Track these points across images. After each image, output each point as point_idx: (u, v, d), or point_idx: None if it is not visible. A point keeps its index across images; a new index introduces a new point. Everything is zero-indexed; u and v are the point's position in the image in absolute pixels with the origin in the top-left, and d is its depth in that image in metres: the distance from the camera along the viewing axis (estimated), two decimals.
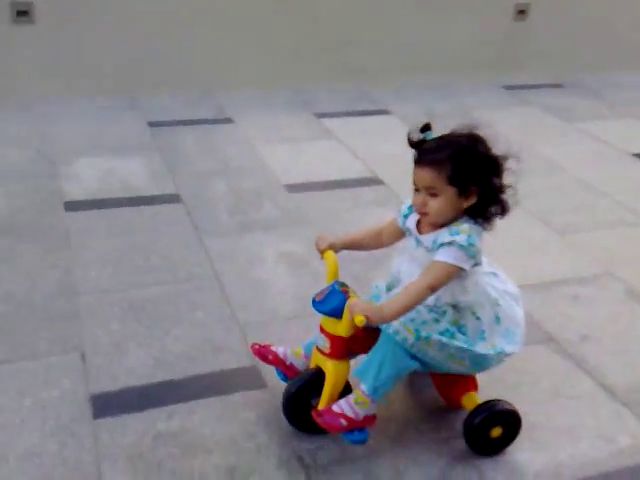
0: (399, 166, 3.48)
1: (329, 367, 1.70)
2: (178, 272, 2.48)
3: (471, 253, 1.58)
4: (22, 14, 3.98)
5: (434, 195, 1.60)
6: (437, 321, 1.62)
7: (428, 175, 1.58)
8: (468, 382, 1.81)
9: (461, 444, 1.75)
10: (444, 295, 1.63)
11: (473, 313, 1.65)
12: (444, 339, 1.61)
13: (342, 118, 3.99)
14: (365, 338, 1.72)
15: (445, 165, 1.57)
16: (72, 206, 2.88)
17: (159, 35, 4.16)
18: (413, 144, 1.64)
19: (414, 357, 1.64)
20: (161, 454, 1.68)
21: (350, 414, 1.64)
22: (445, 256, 1.57)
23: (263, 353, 1.85)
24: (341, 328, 1.66)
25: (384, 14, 4.48)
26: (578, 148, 3.84)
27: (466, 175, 1.59)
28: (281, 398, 1.76)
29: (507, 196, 1.65)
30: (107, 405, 1.82)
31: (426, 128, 1.63)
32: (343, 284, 1.71)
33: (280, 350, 1.85)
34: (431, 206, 1.60)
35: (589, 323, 2.29)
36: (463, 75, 4.66)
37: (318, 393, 1.70)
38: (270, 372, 1.96)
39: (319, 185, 3.20)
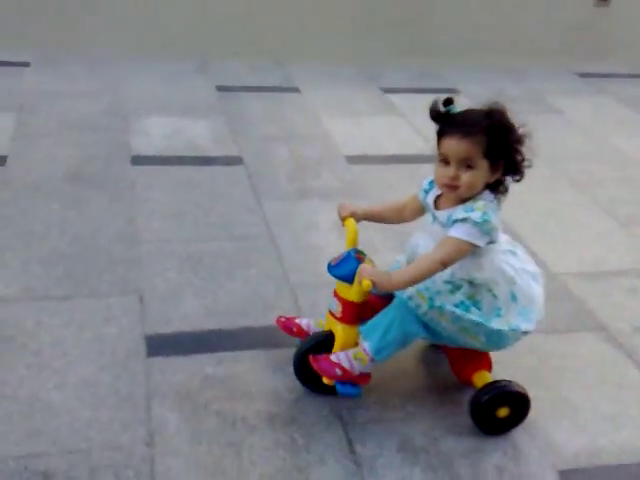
0: None
1: (339, 330, 1.73)
2: (235, 230, 2.55)
3: (485, 230, 1.56)
4: None
5: (469, 167, 1.57)
6: (452, 292, 1.62)
7: (465, 147, 1.56)
8: (482, 360, 1.79)
9: None
10: (459, 271, 1.62)
11: (489, 290, 1.64)
12: (458, 311, 1.60)
13: (407, 94, 3.97)
14: (377, 306, 1.74)
15: (481, 137, 1.56)
16: (138, 160, 2.99)
17: (232, 2, 4.22)
18: (438, 116, 1.62)
19: (426, 326, 1.65)
20: (208, 395, 1.76)
21: (346, 366, 1.67)
22: (458, 232, 1.56)
23: (288, 326, 1.89)
24: (353, 293, 1.69)
25: None
26: None
27: (499, 148, 1.58)
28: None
29: (524, 167, 1.64)
30: (160, 346, 1.91)
31: (449, 102, 1.62)
32: (360, 251, 1.74)
33: (304, 322, 1.89)
34: (464, 179, 1.57)
35: None
36: (536, 59, 4.55)
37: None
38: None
39: (379, 159, 3.21)
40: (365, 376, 1.71)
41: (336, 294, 1.74)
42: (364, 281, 1.56)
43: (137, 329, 1.96)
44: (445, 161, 1.59)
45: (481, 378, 1.75)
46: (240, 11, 4.24)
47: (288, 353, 1.93)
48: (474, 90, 4.10)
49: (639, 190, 3.14)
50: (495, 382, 1.72)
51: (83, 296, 2.08)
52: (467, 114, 1.60)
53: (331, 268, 1.73)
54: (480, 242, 1.57)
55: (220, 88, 3.88)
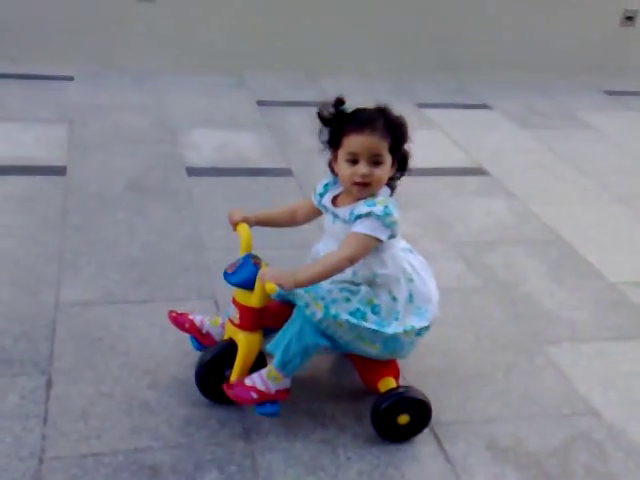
0: (504, 159, 3.63)
1: (240, 338, 1.69)
2: (294, 238, 2.59)
3: (388, 223, 1.57)
4: None
5: (378, 164, 1.58)
6: (348, 300, 1.61)
7: (376, 142, 1.57)
8: (387, 367, 1.76)
9: (585, 420, 1.82)
10: (362, 268, 1.62)
11: (390, 292, 1.64)
12: (353, 319, 1.59)
13: (443, 109, 4.07)
14: (278, 312, 1.70)
15: (386, 133, 1.58)
16: (193, 171, 3.06)
17: (268, 18, 4.32)
18: (331, 119, 1.62)
19: (325, 335, 1.63)
20: (294, 395, 1.78)
21: (261, 387, 1.64)
22: (362, 227, 1.56)
23: (180, 321, 1.83)
24: (254, 299, 1.65)
25: (487, 10, 4.53)
26: None
27: (399, 144, 1.62)
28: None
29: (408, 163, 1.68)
30: None
31: (341, 102, 1.62)
32: (255, 256, 1.70)
33: (197, 318, 1.84)
34: (377, 175, 1.58)
35: None
36: (562, 76, 4.66)
37: (231, 364, 1.69)
38: None
39: (422, 171, 3.24)
40: (282, 392, 1.67)
41: (234, 301, 1.69)
42: (268, 285, 1.53)
43: None
44: (352, 160, 1.59)
45: (385, 385, 1.72)
46: (275, 26, 4.35)
47: None
48: (505, 105, 4.22)
49: None
50: (395, 388, 1.70)
51: (162, 300, 2.14)
52: (363, 112, 1.62)
53: (228, 276, 1.67)
54: (383, 235, 1.57)
55: (260, 102, 3.97)
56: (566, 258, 2.64)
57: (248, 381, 1.65)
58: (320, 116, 1.64)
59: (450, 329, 2.16)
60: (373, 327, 1.60)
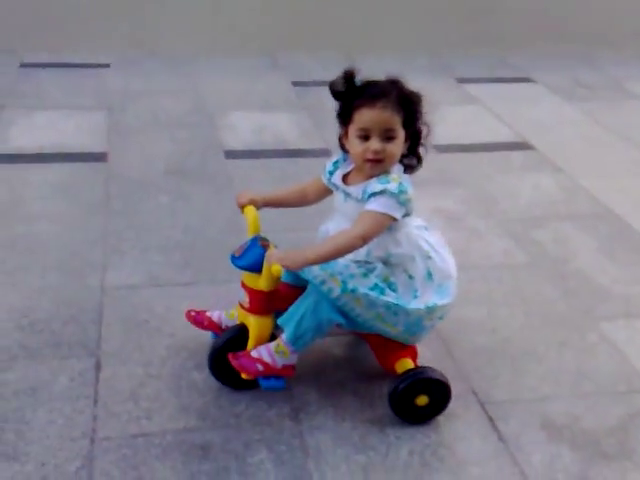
0: (550, 132, 3.53)
1: (252, 322, 1.65)
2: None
3: (402, 200, 1.50)
4: None
5: (390, 139, 1.51)
6: (366, 275, 1.55)
7: (389, 116, 1.50)
8: (404, 348, 1.70)
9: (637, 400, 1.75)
10: (376, 248, 1.56)
11: (405, 271, 1.58)
12: (372, 294, 1.54)
13: (484, 84, 3.97)
14: (289, 295, 1.66)
15: (398, 107, 1.51)
16: (231, 154, 3.05)
17: None
18: (342, 92, 1.54)
19: (342, 312, 1.58)
20: (340, 375, 1.80)
21: (268, 360, 1.60)
22: (376, 205, 1.50)
23: (199, 320, 1.80)
24: (262, 282, 1.60)
25: None
26: None
27: (413, 118, 1.54)
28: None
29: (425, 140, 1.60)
30: None
31: (350, 75, 1.54)
32: (263, 238, 1.64)
33: (215, 315, 1.81)
34: (389, 151, 1.51)
35: None
36: (608, 46, 4.49)
37: (244, 349, 1.66)
38: None
39: (467, 147, 3.22)
40: (288, 368, 1.63)
41: (243, 284, 1.65)
42: (274, 267, 1.49)
43: None
44: (364, 136, 1.52)
45: (402, 366, 1.67)
46: (308, 5, 4.29)
47: None
48: (549, 78, 4.09)
49: None
50: (413, 369, 1.65)
51: (205, 282, 2.14)
52: (374, 85, 1.54)
53: (235, 259, 1.62)
54: (397, 214, 1.51)
55: (296, 83, 3.93)
56: (618, 232, 2.54)
57: (255, 353, 1.62)
58: (331, 90, 1.56)
59: (499, 307, 2.10)
60: (393, 301, 1.55)
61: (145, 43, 4.20)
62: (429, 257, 1.60)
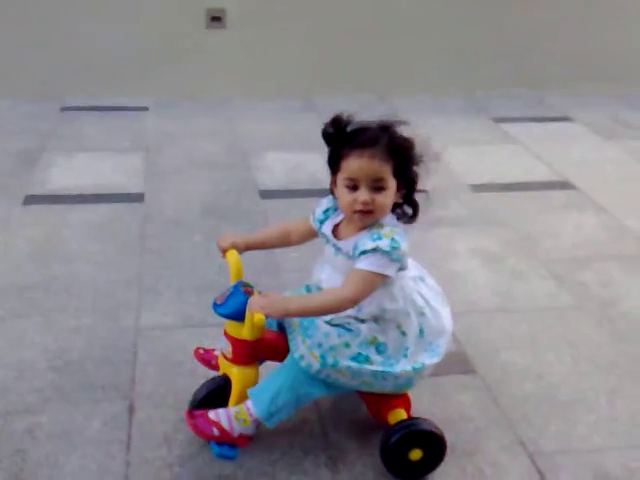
0: (591, 172, 3.46)
1: (234, 374, 1.56)
2: None
3: (396, 257, 1.42)
4: (216, 20, 4.31)
5: (380, 190, 1.43)
6: (347, 345, 1.47)
7: (377, 167, 1.42)
8: (397, 397, 1.62)
9: None
10: (369, 304, 1.47)
11: (398, 326, 1.50)
12: (355, 365, 1.46)
13: (522, 123, 3.93)
14: (275, 343, 1.58)
15: (388, 156, 1.43)
16: (267, 194, 3.05)
17: (335, 41, 4.32)
18: (331, 137, 1.48)
19: (325, 383, 1.50)
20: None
21: (225, 426, 1.51)
22: (367, 264, 1.41)
23: (206, 358, 1.73)
24: (245, 331, 1.50)
25: (563, 22, 4.38)
26: None
27: (405, 167, 1.46)
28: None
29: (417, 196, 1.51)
30: None
31: (339, 121, 1.48)
32: (246, 284, 1.56)
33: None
34: (379, 202, 1.43)
35: None
36: None
37: (226, 403, 1.57)
38: (479, 358, 1.98)
39: (505, 186, 3.16)
40: (244, 438, 1.53)
41: (226, 333, 1.56)
42: (256, 316, 1.40)
43: None
44: (352, 186, 1.44)
45: (395, 417, 1.58)
46: (343, 47, 4.33)
47: (452, 380, 1.90)
48: (588, 117, 4.04)
49: None
50: (406, 420, 1.56)
51: None
52: (364, 132, 1.46)
53: (217, 307, 1.53)
54: (391, 271, 1.43)
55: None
56: None
57: (213, 415, 1.52)
58: (322, 135, 1.50)
59: (545, 351, 2.02)
60: (379, 369, 1.48)
61: (182, 87, 4.28)
62: (422, 314, 1.52)
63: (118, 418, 1.70)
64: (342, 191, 1.46)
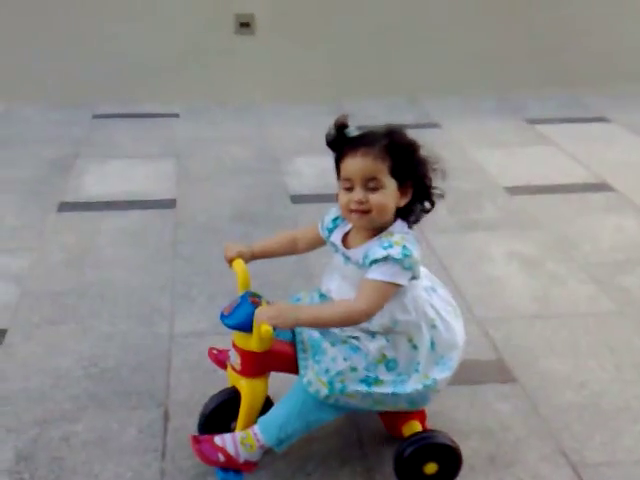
0: (630, 173, 3.37)
1: (243, 386, 1.51)
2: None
3: (407, 265, 1.38)
4: (244, 26, 4.32)
5: (375, 189, 1.40)
6: (354, 370, 1.43)
7: (370, 164, 1.40)
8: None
9: None
10: (380, 315, 1.42)
11: (410, 340, 1.45)
12: (363, 389, 1.42)
13: (556, 124, 3.85)
14: (285, 354, 1.53)
15: (384, 154, 1.40)
16: (297, 199, 3.03)
17: (364, 43, 4.29)
18: (334, 142, 1.47)
19: (336, 406, 1.46)
20: None
21: (231, 451, 1.46)
22: (379, 273, 1.37)
23: (220, 359, 1.69)
24: (253, 342, 1.46)
25: (598, 20, 4.28)
26: None
27: (405, 167, 1.42)
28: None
29: (435, 194, 1.48)
30: None
31: (342, 125, 1.46)
32: (254, 294, 1.53)
33: None
34: (375, 201, 1.39)
35: None
36: None
37: (236, 415, 1.53)
38: (518, 366, 1.93)
39: (542, 188, 3.09)
40: (250, 464, 1.49)
41: (234, 345, 1.52)
42: (263, 327, 1.37)
43: None
44: (349, 187, 1.43)
45: (410, 429, 1.54)
46: (372, 50, 4.30)
47: (491, 389, 1.85)
48: (625, 117, 3.94)
49: None
50: (421, 432, 1.51)
51: None
52: (366, 135, 1.45)
53: (224, 318, 1.50)
54: (404, 280, 1.39)
55: (360, 128, 3.89)
56: None
57: (218, 440, 1.49)
58: (327, 140, 1.50)
59: (587, 359, 1.96)
60: (388, 390, 1.44)
61: (212, 92, 4.30)
62: (434, 326, 1.48)
63: (153, 425, 1.70)
64: (340, 193, 1.46)
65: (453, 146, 3.61)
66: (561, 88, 4.30)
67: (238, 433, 1.49)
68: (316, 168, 3.36)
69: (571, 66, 4.32)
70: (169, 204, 2.96)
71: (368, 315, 1.39)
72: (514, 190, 3.06)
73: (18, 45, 4.11)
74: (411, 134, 1.49)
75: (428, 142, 1.43)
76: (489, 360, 1.97)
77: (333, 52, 4.31)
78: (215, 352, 1.74)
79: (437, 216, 2.78)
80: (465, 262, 2.50)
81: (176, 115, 4.11)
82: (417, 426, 1.55)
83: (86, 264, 2.47)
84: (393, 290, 1.39)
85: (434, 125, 3.93)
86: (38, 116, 4.01)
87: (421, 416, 1.59)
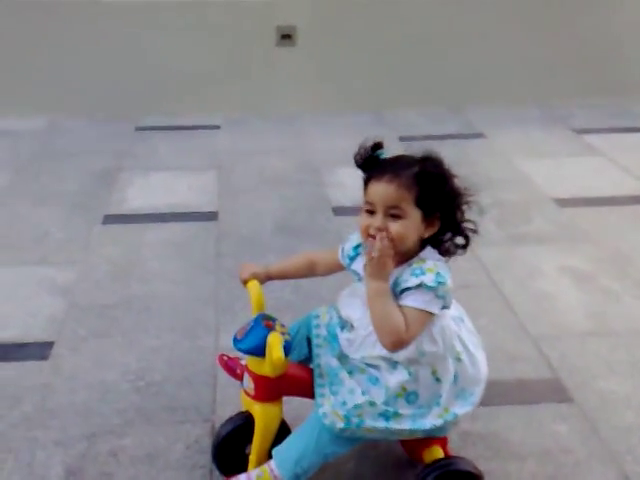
0: None
1: (257, 411, 1.47)
2: (455, 278, 2.43)
3: (441, 294, 1.33)
4: (286, 37, 4.32)
5: (396, 217, 1.35)
6: (372, 405, 1.37)
7: (393, 191, 1.34)
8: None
9: None
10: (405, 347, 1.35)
11: (434, 372, 1.40)
12: (381, 424, 1.37)
13: (605, 134, 3.75)
14: (300, 378, 1.48)
15: (411, 182, 1.35)
16: (340, 211, 2.99)
17: (406, 52, 4.25)
18: (365, 163, 1.43)
19: (350, 439, 1.41)
20: (472, 453, 1.62)
21: None
22: (412, 300, 1.32)
23: (231, 366, 1.62)
24: (266, 367, 1.42)
25: None
26: None
27: (432, 198, 1.35)
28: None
29: (467, 229, 1.41)
30: None
31: (378, 146, 1.43)
32: (268, 317, 1.49)
33: None
34: (395, 230, 1.34)
35: None
36: None
37: (251, 439, 1.48)
38: (574, 385, 1.86)
39: (592, 200, 3.00)
40: None
41: (247, 369, 1.48)
42: (275, 354, 1.33)
43: None
44: (371, 211, 1.38)
45: (431, 455, 1.48)
46: (414, 60, 4.26)
47: (547, 409, 1.78)
48: None
49: None
50: (443, 459, 1.45)
51: None
52: (398, 159, 1.41)
53: (237, 342, 1.46)
54: (436, 309, 1.34)
55: (402, 138, 3.87)
56: None
57: None
58: (356, 160, 1.47)
59: None
60: (406, 427, 1.38)
61: (253, 104, 4.31)
62: (459, 359, 1.42)
63: (200, 441, 1.67)
64: (362, 214, 1.42)
65: (498, 156, 3.53)
66: (608, 97, 4.19)
67: (254, 471, 1.46)
68: (358, 179, 3.25)
69: (619, 74, 4.21)
70: (211, 216, 2.95)
71: (406, 345, 1.34)
72: (563, 202, 2.98)
73: (63, 59, 4.19)
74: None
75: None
76: (544, 379, 1.90)
77: (374, 62, 4.28)
78: (225, 358, 1.70)
79: (484, 229, 2.78)
80: (515, 277, 2.43)
81: (217, 127, 4.13)
82: (439, 452, 1.50)
83: (131, 276, 2.47)
84: (428, 318, 1.34)
85: (478, 135, 3.86)
86: (82, 129, 4.07)
87: (442, 441, 1.53)
